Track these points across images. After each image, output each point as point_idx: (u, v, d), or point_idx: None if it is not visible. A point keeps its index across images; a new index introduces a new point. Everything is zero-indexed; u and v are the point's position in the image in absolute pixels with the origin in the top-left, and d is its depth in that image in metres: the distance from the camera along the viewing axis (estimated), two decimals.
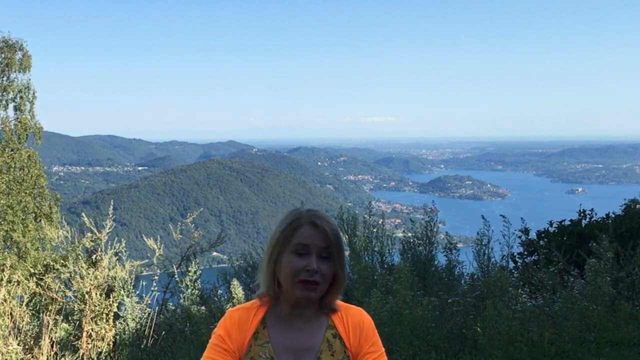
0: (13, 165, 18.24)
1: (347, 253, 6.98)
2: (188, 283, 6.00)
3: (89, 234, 5.62)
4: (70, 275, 5.51)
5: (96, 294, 5.29)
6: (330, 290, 1.78)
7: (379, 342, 1.86)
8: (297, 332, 1.80)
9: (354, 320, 1.84)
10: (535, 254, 7.24)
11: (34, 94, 18.99)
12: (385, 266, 6.72)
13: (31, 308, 5.57)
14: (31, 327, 5.31)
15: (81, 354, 5.14)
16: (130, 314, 5.52)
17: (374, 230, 6.86)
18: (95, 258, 5.53)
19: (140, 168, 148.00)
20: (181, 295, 6.02)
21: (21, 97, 18.84)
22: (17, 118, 18.74)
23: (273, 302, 1.82)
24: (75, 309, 5.33)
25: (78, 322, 5.33)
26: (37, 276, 6.11)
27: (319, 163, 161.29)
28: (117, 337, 5.40)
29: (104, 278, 5.36)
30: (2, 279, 5.25)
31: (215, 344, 1.80)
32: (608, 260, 5.93)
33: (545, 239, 7.73)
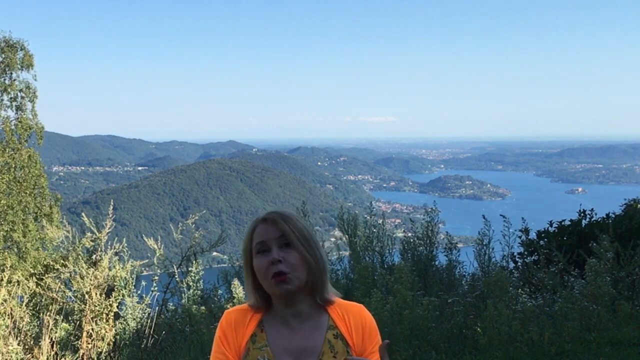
0: (14, 165, 18.23)
1: (346, 253, 6.98)
2: (190, 283, 6.00)
3: (89, 234, 5.62)
4: (70, 275, 5.51)
5: (96, 294, 5.29)
6: (310, 276, 1.73)
7: (380, 339, 1.83)
8: (296, 334, 1.75)
9: (356, 318, 1.80)
10: (536, 254, 7.24)
11: (35, 93, 18.97)
12: (386, 266, 6.72)
13: (31, 308, 5.57)
14: (31, 327, 5.31)
15: (81, 354, 5.14)
16: (131, 313, 5.52)
17: (375, 230, 6.86)
18: (96, 258, 5.53)
19: (140, 168, 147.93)
20: (183, 295, 6.02)
21: (22, 97, 18.82)
22: (18, 118, 18.72)
23: (269, 306, 1.78)
24: (75, 309, 5.33)
25: (78, 322, 5.33)
26: (37, 276, 6.11)
27: (319, 163, 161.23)
28: (117, 337, 5.40)
29: (104, 278, 5.36)
30: (2, 279, 5.26)
31: (214, 349, 1.78)
32: (608, 260, 5.93)
33: (546, 239, 7.73)
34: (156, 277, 5.88)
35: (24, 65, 18.81)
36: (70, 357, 5.06)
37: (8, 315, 5.12)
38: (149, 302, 5.71)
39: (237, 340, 1.76)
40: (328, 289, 1.79)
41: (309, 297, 1.77)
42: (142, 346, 5.37)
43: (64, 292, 5.58)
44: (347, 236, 6.94)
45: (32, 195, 18.34)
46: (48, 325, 5.04)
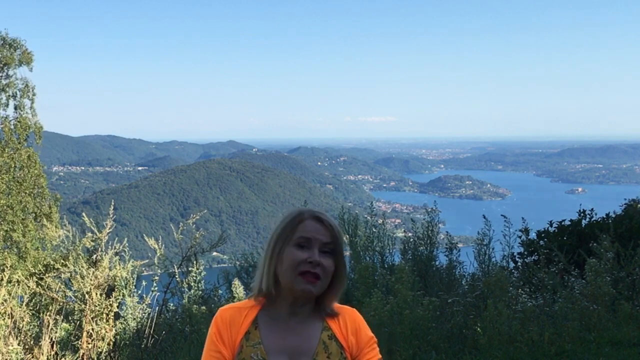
0: (13, 165, 18.21)
1: (347, 253, 6.98)
2: (192, 283, 6.00)
3: (90, 234, 5.62)
4: (71, 275, 5.51)
5: (96, 293, 5.28)
6: (329, 288, 1.75)
7: (373, 335, 1.84)
8: (290, 333, 1.76)
9: (350, 321, 1.82)
10: (536, 254, 7.24)
11: (33, 92, 18.93)
12: (386, 266, 6.72)
13: (31, 308, 5.56)
14: (31, 327, 5.31)
15: (81, 354, 5.14)
16: (131, 313, 5.52)
17: (375, 230, 6.86)
18: (96, 258, 5.53)
19: (140, 168, 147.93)
20: (184, 295, 6.02)
21: (21, 96, 18.79)
22: (17, 117, 18.70)
23: (268, 302, 1.78)
24: (76, 308, 5.33)
25: (78, 322, 5.32)
26: (37, 276, 6.11)
27: (319, 163, 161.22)
28: (117, 337, 5.40)
29: (104, 278, 5.36)
30: (2, 279, 5.25)
31: (208, 347, 1.78)
32: (608, 260, 5.93)
33: (546, 239, 7.73)
34: (156, 277, 5.88)
35: (23, 62, 18.76)
36: (70, 357, 5.05)
37: (8, 315, 5.11)
38: (149, 302, 5.71)
39: (232, 337, 1.76)
40: (334, 303, 1.82)
41: (315, 304, 1.79)
42: (142, 346, 5.37)
43: (64, 292, 5.57)
44: (347, 236, 6.94)
45: (32, 195, 18.33)
46: (48, 325, 5.03)
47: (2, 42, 18.57)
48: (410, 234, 6.90)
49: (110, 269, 5.48)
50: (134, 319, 5.53)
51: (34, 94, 18.92)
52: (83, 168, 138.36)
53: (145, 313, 5.65)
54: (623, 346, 5.02)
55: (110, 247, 5.63)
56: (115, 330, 5.36)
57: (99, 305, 5.26)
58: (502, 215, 6.48)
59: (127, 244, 5.78)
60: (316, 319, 1.79)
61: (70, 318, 5.48)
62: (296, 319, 1.77)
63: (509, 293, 5.51)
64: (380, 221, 6.90)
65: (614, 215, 8.03)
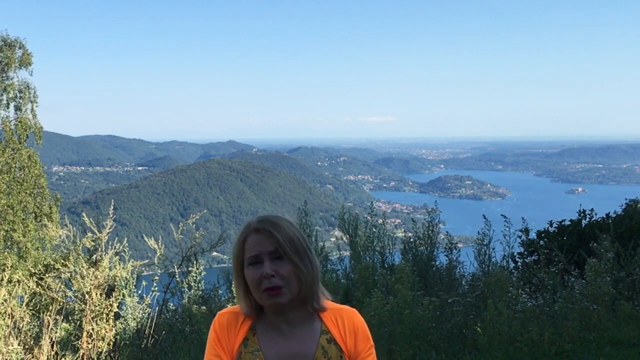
0: (13, 165, 18.21)
1: (347, 253, 6.98)
2: (192, 283, 6.00)
3: (90, 234, 5.62)
4: (71, 275, 5.51)
5: (96, 293, 5.28)
6: (302, 287, 1.72)
7: (370, 338, 1.83)
8: (289, 339, 1.75)
9: (348, 323, 1.80)
10: (536, 254, 7.23)
11: (34, 93, 18.92)
12: (386, 266, 6.72)
13: (31, 308, 5.57)
14: (31, 327, 5.31)
15: (81, 354, 5.14)
16: (131, 313, 5.52)
17: (375, 230, 6.86)
18: (96, 258, 5.53)
19: (140, 168, 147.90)
20: (184, 295, 6.02)
21: (22, 97, 18.78)
22: (18, 118, 18.69)
23: (261, 314, 1.79)
24: (76, 308, 5.33)
25: (78, 322, 5.33)
26: (37, 276, 6.11)
27: (319, 163, 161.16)
28: (118, 337, 5.40)
29: (104, 278, 5.36)
30: (2, 279, 5.25)
31: (208, 351, 1.79)
32: (608, 260, 5.93)
33: (546, 239, 7.73)
34: (156, 277, 5.88)
35: (23, 63, 18.75)
36: (70, 357, 5.05)
37: (8, 315, 5.11)
38: (149, 302, 5.71)
39: (230, 342, 1.76)
40: (320, 298, 1.79)
41: (300, 305, 1.77)
42: (142, 346, 5.37)
43: (64, 292, 5.57)
44: (347, 236, 6.94)
45: (32, 195, 18.33)
46: (48, 325, 5.03)
47: (3, 42, 18.54)
48: (410, 234, 6.90)
49: (110, 269, 5.48)
50: (134, 319, 5.53)
51: (35, 96, 18.93)
52: (83, 168, 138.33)
53: (145, 313, 5.65)
54: (623, 346, 5.02)
55: (110, 247, 5.63)
56: (115, 330, 5.36)
57: (99, 305, 5.26)
58: (502, 215, 6.49)
59: (127, 244, 5.78)
60: (313, 321, 1.78)
61: (70, 318, 5.48)
62: (292, 324, 1.76)
63: (509, 293, 5.51)
64: (380, 221, 6.90)
65: (614, 215, 8.02)
